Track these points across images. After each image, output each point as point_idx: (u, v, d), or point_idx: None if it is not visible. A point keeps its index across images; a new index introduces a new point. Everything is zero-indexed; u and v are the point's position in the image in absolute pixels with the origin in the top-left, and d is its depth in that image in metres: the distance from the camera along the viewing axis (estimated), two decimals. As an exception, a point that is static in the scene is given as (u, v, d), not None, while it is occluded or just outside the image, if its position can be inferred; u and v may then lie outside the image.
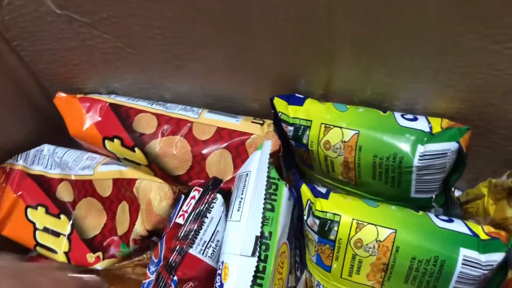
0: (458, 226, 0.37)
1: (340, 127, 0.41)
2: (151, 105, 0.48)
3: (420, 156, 0.38)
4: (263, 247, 0.36)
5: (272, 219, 0.37)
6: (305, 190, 0.40)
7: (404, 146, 0.39)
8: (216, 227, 0.39)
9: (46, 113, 0.53)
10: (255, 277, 0.35)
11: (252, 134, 0.46)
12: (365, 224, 0.37)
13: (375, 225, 0.37)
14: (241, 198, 0.38)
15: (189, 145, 0.46)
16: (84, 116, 0.48)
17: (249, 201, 0.38)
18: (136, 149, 0.47)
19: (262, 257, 0.36)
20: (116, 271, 0.50)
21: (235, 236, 0.37)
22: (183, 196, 0.42)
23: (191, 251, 0.37)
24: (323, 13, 0.37)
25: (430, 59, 0.38)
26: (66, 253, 0.46)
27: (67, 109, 0.49)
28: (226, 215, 0.40)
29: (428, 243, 0.35)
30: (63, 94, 0.50)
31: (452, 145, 0.38)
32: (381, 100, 0.43)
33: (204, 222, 0.38)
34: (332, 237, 0.37)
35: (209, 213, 0.39)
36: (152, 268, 0.40)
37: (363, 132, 0.40)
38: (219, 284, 0.35)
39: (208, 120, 0.47)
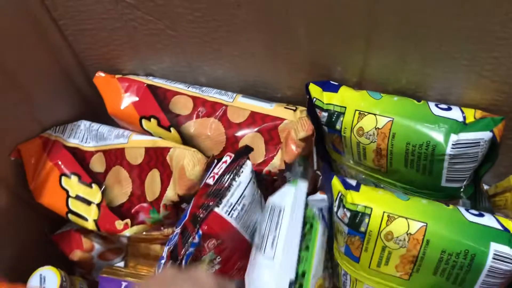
0: (489, 220, 0.37)
1: (374, 114, 0.42)
2: (187, 87, 0.50)
3: (453, 144, 0.39)
4: (297, 286, 0.37)
5: (307, 257, 0.39)
6: (336, 182, 0.41)
7: (437, 135, 0.40)
8: (243, 191, 0.40)
9: (85, 93, 0.54)
10: None
11: (285, 119, 0.47)
12: (396, 217, 0.37)
13: (406, 218, 0.37)
14: (275, 235, 0.39)
15: (223, 127, 0.47)
16: (122, 95, 0.49)
17: (283, 240, 0.38)
18: (172, 129, 0.48)
19: None
20: (142, 247, 0.51)
21: (269, 276, 0.38)
22: (215, 161, 0.43)
23: (217, 209, 0.38)
24: (365, 2, 0.37)
25: (466, 49, 0.39)
26: (95, 221, 0.48)
27: (106, 88, 0.51)
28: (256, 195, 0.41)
29: (458, 236, 0.36)
30: (102, 74, 0.51)
31: (485, 135, 0.39)
32: (415, 90, 0.44)
33: (232, 185, 0.40)
34: (362, 229, 0.38)
35: (238, 177, 0.40)
36: (177, 225, 0.41)
37: (397, 120, 0.41)
38: None
39: (242, 104, 0.48)
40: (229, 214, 0.39)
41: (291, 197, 0.40)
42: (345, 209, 0.39)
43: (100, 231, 0.48)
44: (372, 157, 0.43)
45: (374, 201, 0.38)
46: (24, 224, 0.52)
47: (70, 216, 0.49)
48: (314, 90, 0.45)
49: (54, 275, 0.46)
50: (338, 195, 0.40)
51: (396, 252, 0.37)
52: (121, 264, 0.56)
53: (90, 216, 0.48)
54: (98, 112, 0.52)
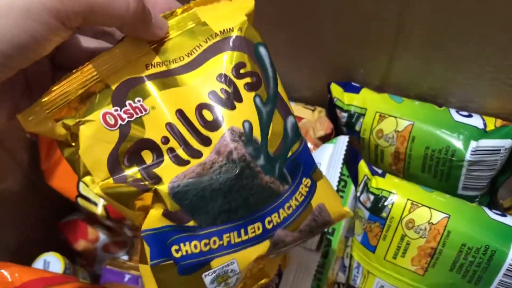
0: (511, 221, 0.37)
1: (395, 117, 0.42)
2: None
3: (472, 151, 0.39)
4: (326, 242, 0.37)
5: None
6: (363, 166, 0.40)
7: (457, 141, 0.40)
8: None
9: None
10: (316, 271, 0.35)
11: (303, 118, 0.47)
12: (419, 205, 0.37)
13: (429, 207, 0.37)
14: None
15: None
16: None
17: None
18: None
19: (323, 252, 0.36)
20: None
21: None
22: None
23: None
24: (395, 6, 0.38)
25: (492, 58, 0.39)
26: (104, 206, 0.47)
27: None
28: None
29: (480, 232, 0.35)
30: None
31: (506, 142, 0.39)
32: (436, 96, 0.44)
33: None
34: (384, 214, 0.37)
35: None
36: None
37: (418, 124, 0.41)
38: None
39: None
40: None
41: (329, 153, 0.40)
42: (369, 193, 0.38)
43: (110, 217, 0.47)
44: (389, 161, 0.43)
45: (399, 188, 0.38)
46: (30, 208, 0.51)
47: (79, 200, 0.48)
48: (336, 90, 0.45)
49: (58, 261, 0.46)
50: (363, 178, 0.40)
51: (415, 243, 0.37)
52: (125, 258, 0.55)
53: (99, 201, 0.48)
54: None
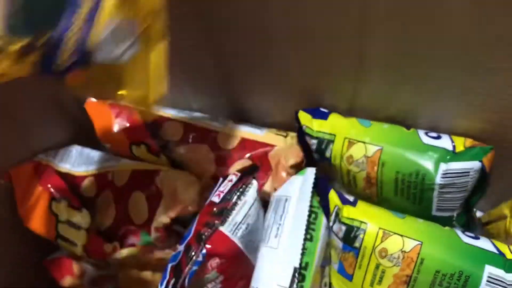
0: (484, 243, 0.37)
1: (364, 142, 0.42)
2: (178, 113, 0.50)
3: (442, 174, 0.39)
4: (300, 277, 0.36)
5: (310, 249, 0.38)
6: (333, 196, 0.40)
7: (427, 163, 0.39)
8: (248, 211, 0.40)
9: (77, 118, 0.54)
10: None
11: (275, 145, 0.46)
12: (391, 234, 0.37)
13: (401, 235, 0.36)
14: (279, 224, 0.39)
15: (213, 153, 0.47)
16: (112, 121, 0.49)
17: (288, 229, 0.38)
18: (161, 155, 0.48)
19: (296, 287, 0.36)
20: (134, 274, 0.50)
21: (272, 265, 0.37)
22: (221, 179, 0.43)
23: (221, 228, 0.38)
24: (355, 32, 0.38)
25: (455, 79, 0.38)
26: (84, 246, 0.47)
27: (96, 114, 0.51)
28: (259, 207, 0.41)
29: (453, 257, 0.35)
30: (93, 100, 0.51)
31: (474, 164, 0.38)
32: (405, 117, 0.43)
33: (238, 204, 0.39)
34: (357, 244, 0.37)
35: (244, 196, 0.40)
36: (181, 243, 0.41)
37: (387, 148, 0.41)
38: None
39: (233, 131, 0.48)
40: (233, 233, 0.39)
41: (298, 186, 0.40)
42: (340, 224, 0.38)
43: (89, 256, 0.48)
44: (362, 185, 0.43)
45: (370, 217, 0.38)
46: (15, 249, 0.52)
47: (59, 241, 0.48)
48: (304, 118, 0.44)
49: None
50: (334, 209, 0.39)
51: (390, 271, 0.36)
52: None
53: (79, 241, 0.48)
54: (90, 137, 0.52)
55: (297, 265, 0.37)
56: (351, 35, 0.38)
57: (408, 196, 0.41)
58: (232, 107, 0.50)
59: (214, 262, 0.38)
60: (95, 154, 0.51)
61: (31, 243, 0.53)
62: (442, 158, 0.39)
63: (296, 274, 0.36)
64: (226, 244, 0.38)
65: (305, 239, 0.38)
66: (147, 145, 0.48)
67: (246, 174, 0.42)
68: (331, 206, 0.40)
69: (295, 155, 0.43)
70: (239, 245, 0.39)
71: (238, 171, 0.42)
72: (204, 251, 0.37)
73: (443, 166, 0.39)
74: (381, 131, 0.42)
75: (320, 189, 0.40)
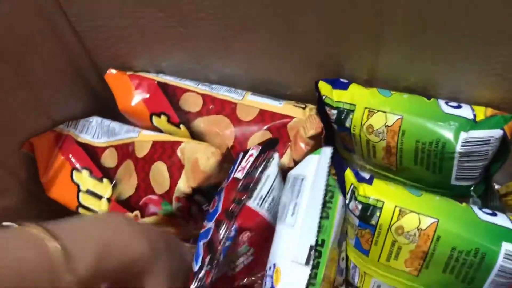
0: (501, 220, 0.37)
1: (384, 112, 0.42)
2: (197, 85, 0.50)
3: (462, 142, 0.39)
4: (316, 254, 0.37)
5: (327, 227, 0.38)
6: (349, 174, 0.40)
7: (447, 132, 0.39)
8: (272, 184, 0.40)
9: (96, 89, 0.55)
10: (307, 285, 0.36)
11: (294, 117, 0.47)
12: (407, 212, 0.37)
13: (417, 213, 0.37)
14: (296, 203, 0.39)
15: (232, 125, 0.48)
16: (133, 92, 0.50)
17: (304, 208, 0.38)
18: (181, 126, 0.48)
19: (315, 264, 0.36)
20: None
21: (289, 242, 0.37)
22: (241, 154, 0.43)
23: (249, 203, 0.39)
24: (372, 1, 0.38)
25: (477, 47, 0.38)
26: None
27: (117, 85, 0.51)
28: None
29: (470, 234, 0.35)
30: (113, 71, 0.52)
31: (496, 132, 0.38)
32: (425, 87, 0.43)
33: (261, 179, 0.40)
34: (373, 222, 0.38)
35: (266, 170, 0.40)
36: (209, 219, 0.41)
37: (407, 117, 0.41)
38: (270, 286, 0.36)
39: (251, 102, 0.48)
40: (260, 206, 0.39)
41: (314, 165, 0.40)
42: (356, 202, 0.39)
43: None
44: (382, 155, 0.43)
45: (386, 195, 0.38)
46: (35, 219, 0.52)
47: (80, 210, 0.49)
48: (324, 88, 0.45)
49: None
50: (350, 187, 0.40)
51: (406, 247, 0.37)
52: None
53: (100, 210, 0.49)
54: (109, 109, 0.53)
55: (313, 243, 0.37)
56: (371, 1, 0.38)
57: (428, 165, 0.41)
58: (251, 79, 0.50)
59: (245, 235, 0.38)
60: (115, 125, 0.52)
61: (52, 214, 0.53)
62: (463, 126, 0.39)
63: (313, 251, 0.37)
64: (254, 218, 0.39)
65: (321, 217, 0.38)
66: (167, 115, 0.49)
67: (267, 147, 0.42)
68: (347, 185, 0.40)
69: (315, 125, 0.44)
70: (267, 217, 0.40)
71: (259, 144, 0.42)
72: (235, 226, 0.38)
73: (463, 135, 0.39)
74: (401, 101, 0.42)
75: (336, 168, 0.41)
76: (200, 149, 0.44)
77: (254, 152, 0.42)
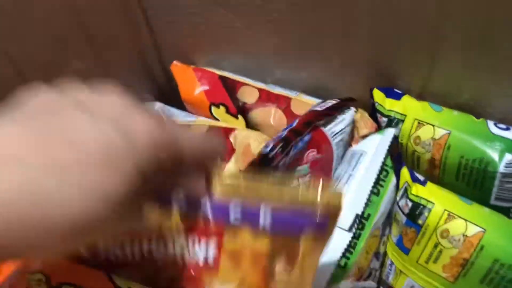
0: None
1: (433, 125, 0.44)
2: (254, 82, 0.53)
3: (506, 163, 0.40)
4: (360, 225, 0.39)
5: (375, 202, 0.40)
6: (404, 172, 0.42)
7: (492, 152, 0.41)
8: (345, 127, 0.43)
9: (159, 79, 0.59)
10: (345, 250, 0.38)
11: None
12: (455, 217, 0.38)
13: (465, 220, 0.38)
14: (351, 174, 0.41)
15: (286, 118, 0.50)
16: (195, 83, 0.53)
17: (358, 179, 0.40)
18: (239, 116, 0.52)
19: (356, 234, 0.39)
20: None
21: None
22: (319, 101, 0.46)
23: (323, 128, 0.41)
24: (434, 11, 0.39)
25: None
26: None
27: (181, 76, 0.55)
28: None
29: None
30: (178, 63, 0.55)
31: (541, 158, 0.40)
32: (475, 106, 0.45)
33: (338, 117, 0.43)
34: (420, 221, 0.39)
35: (343, 114, 0.44)
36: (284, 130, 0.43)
37: (454, 133, 0.43)
38: None
39: (305, 99, 0.51)
40: (332, 137, 0.42)
41: (375, 143, 0.42)
42: (407, 200, 0.40)
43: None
44: (425, 167, 0.45)
45: (438, 198, 0.40)
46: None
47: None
48: (378, 95, 0.47)
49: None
50: (404, 185, 0.41)
51: (448, 252, 0.38)
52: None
53: None
54: (172, 98, 0.57)
55: (360, 213, 0.39)
56: (430, 14, 0.39)
57: (469, 181, 0.43)
58: (303, 85, 0.53)
59: (311, 154, 0.40)
60: (175, 110, 0.55)
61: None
62: (508, 148, 0.41)
63: (357, 220, 0.39)
64: (325, 141, 0.41)
65: (372, 192, 0.40)
66: (226, 106, 0.52)
67: (345, 101, 0.45)
68: (401, 182, 0.42)
69: (369, 126, 0.46)
70: (334, 149, 0.42)
71: (338, 98, 0.45)
72: (309, 135, 0.40)
73: (508, 156, 0.40)
74: (451, 117, 0.44)
75: (395, 161, 0.42)
76: (252, 135, 0.47)
77: (332, 101, 0.45)
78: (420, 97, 0.47)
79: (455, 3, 0.38)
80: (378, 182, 0.41)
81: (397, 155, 0.43)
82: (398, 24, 0.42)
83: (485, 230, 0.37)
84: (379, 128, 0.48)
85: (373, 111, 0.47)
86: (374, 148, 0.42)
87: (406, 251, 0.41)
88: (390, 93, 0.47)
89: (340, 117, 0.43)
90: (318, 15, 0.44)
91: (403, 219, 0.41)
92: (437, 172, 0.44)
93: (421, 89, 0.46)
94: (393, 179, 0.42)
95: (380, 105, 0.46)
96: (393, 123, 0.46)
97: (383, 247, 0.44)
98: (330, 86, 0.51)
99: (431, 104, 0.45)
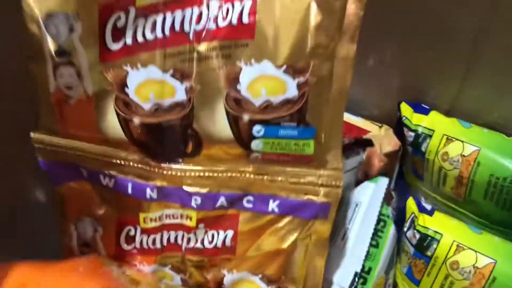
0: None
1: (462, 141, 0.43)
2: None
3: (538, 183, 0.39)
4: (361, 280, 0.38)
5: (375, 255, 0.39)
6: (411, 203, 0.42)
7: (524, 171, 0.40)
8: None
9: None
10: None
11: (370, 131, 0.48)
12: (465, 248, 0.38)
13: (475, 251, 0.37)
14: (347, 228, 0.41)
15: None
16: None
17: (355, 234, 0.40)
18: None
19: None
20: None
21: (336, 265, 0.39)
22: None
23: None
24: (476, 26, 0.39)
25: None
26: None
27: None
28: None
29: None
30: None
31: None
32: (505, 125, 0.44)
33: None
34: (429, 253, 0.39)
35: (346, 159, 0.41)
36: None
37: (484, 150, 0.42)
38: None
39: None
40: None
41: (369, 193, 0.42)
42: (415, 231, 0.40)
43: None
44: (452, 184, 0.44)
45: (446, 228, 0.39)
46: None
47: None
48: (405, 109, 0.46)
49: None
50: (410, 216, 0.41)
51: (459, 283, 0.37)
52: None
53: None
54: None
55: (359, 270, 0.38)
56: (471, 30, 0.39)
57: (498, 201, 0.42)
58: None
59: None
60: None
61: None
62: (540, 168, 0.40)
63: (357, 278, 0.38)
64: None
65: (371, 245, 0.39)
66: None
67: (359, 142, 0.44)
68: (408, 213, 0.41)
69: (393, 143, 0.45)
70: None
71: (353, 137, 0.43)
72: None
73: (540, 176, 0.39)
74: (480, 134, 0.43)
75: (398, 194, 0.42)
76: None
77: (345, 140, 0.43)
78: (448, 113, 0.46)
79: (498, 22, 0.38)
80: (376, 234, 0.40)
81: (401, 185, 0.42)
82: (434, 36, 0.42)
83: (496, 261, 0.36)
84: (404, 144, 0.47)
85: (398, 126, 0.47)
86: (368, 198, 0.42)
87: (417, 282, 0.40)
88: (418, 108, 0.46)
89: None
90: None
91: (411, 250, 0.40)
92: (463, 190, 0.43)
93: (450, 105, 0.46)
94: (391, 228, 0.41)
95: (408, 119, 0.46)
96: (421, 138, 0.45)
97: (391, 280, 0.42)
98: (357, 97, 0.50)
99: (460, 121, 0.44)
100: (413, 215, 0.41)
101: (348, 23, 0.28)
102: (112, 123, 0.30)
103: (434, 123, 0.45)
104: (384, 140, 0.46)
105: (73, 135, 0.32)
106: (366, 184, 0.43)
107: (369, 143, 0.45)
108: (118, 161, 0.32)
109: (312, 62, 0.28)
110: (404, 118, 0.46)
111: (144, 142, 0.31)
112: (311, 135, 0.30)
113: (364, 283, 0.38)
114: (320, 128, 0.30)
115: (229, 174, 0.32)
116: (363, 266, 0.38)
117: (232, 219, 0.33)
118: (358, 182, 0.47)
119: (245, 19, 0.27)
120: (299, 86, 0.28)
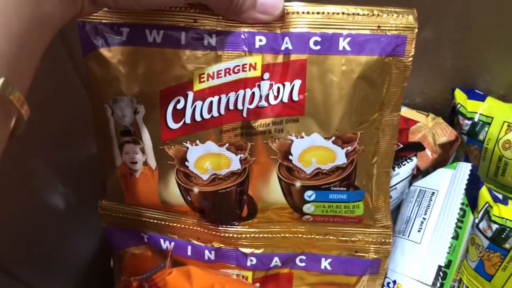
0: None
1: (526, 128, 0.40)
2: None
3: None
4: (442, 275, 0.36)
5: (455, 247, 0.37)
6: (484, 192, 0.38)
7: None
8: (397, 183, 0.39)
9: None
10: None
11: (418, 122, 0.45)
12: None
13: None
14: (424, 218, 0.37)
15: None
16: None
17: (433, 225, 0.37)
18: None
19: (439, 285, 0.35)
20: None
21: (414, 259, 0.36)
22: None
23: None
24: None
25: None
26: None
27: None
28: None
29: None
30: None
31: None
32: None
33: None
34: (507, 246, 0.35)
35: (399, 168, 0.39)
36: None
37: (551, 137, 0.39)
38: None
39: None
40: None
41: (447, 180, 0.38)
42: (490, 222, 0.36)
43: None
44: (512, 174, 0.41)
45: None
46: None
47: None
48: (460, 96, 0.43)
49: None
50: (484, 206, 0.37)
51: None
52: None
53: None
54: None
55: (443, 263, 0.36)
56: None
57: None
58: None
59: None
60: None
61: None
62: None
63: (441, 273, 0.36)
64: None
65: (452, 238, 0.36)
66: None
67: (409, 148, 0.41)
68: (481, 203, 0.38)
69: (448, 133, 0.42)
70: None
71: (401, 143, 0.41)
72: None
73: None
74: (544, 119, 0.40)
75: (470, 184, 0.39)
76: None
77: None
78: (504, 99, 0.43)
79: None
80: (456, 225, 0.37)
81: (475, 176, 0.39)
82: (487, 20, 0.39)
83: None
84: (460, 134, 0.43)
85: (452, 114, 0.44)
86: (446, 186, 0.38)
87: (488, 277, 0.37)
88: (472, 94, 0.43)
89: (393, 172, 0.39)
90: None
91: (485, 243, 0.37)
92: (526, 180, 0.40)
93: (506, 90, 0.43)
94: (470, 217, 0.38)
95: (463, 106, 0.43)
96: (478, 126, 0.42)
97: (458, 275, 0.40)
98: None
99: (521, 106, 0.42)
100: (487, 204, 0.37)
101: (391, 94, 0.30)
102: (173, 192, 0.32)
103: (492, 109, 0.42)
104: (437, 130, 0.42)
105: (137, 203, 0.34)
106: (442, 171, 0.40)
107: (419, 147, 0.42)
108: (178, 225, 0.34)
109: (359, 132, 0.29)
110: (459, 105, 0.43)
111: (203, 208, 0.33)
112: (361, 198, 0.32)
113: (444, 278, 0.36)
114: (368, 190, 0.32)
115: (282, 235, 0.33)
116: (445, 261, 0.36)
117: (286, 277, 0.35)
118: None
119: (295, 97, 0.28)
120: (347, 154, 0.30)
